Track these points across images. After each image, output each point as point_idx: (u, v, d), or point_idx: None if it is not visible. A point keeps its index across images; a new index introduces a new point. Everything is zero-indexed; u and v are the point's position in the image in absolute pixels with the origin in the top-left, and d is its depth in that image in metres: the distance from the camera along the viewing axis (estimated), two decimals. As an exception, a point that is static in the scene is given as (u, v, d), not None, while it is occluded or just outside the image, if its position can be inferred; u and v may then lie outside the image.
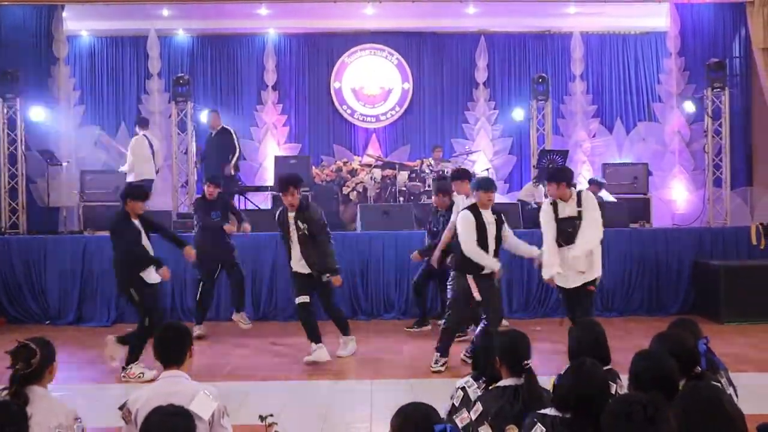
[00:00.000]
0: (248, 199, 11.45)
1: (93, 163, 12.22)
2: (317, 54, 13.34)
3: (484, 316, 6.57)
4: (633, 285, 9.44)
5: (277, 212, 7.07)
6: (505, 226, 6.70)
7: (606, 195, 10.43)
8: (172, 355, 3.44)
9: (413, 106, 13.34)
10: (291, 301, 8.53)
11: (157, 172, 11.00)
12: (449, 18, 12.55)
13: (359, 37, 13.32)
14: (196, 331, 8.01)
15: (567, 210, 6.52)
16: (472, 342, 6.71)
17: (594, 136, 13.02)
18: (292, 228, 6.78)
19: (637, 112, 13.16)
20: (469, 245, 6.41)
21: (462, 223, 6.52)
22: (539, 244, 8.20)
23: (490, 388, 3.60)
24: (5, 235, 10.14)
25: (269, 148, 12.91)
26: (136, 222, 6.69)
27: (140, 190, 6.90)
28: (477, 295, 6.44)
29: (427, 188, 11.00)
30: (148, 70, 12.80)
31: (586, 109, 13.03)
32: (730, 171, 11.35)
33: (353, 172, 12.23)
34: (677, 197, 12.42)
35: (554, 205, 6.59)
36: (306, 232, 6.72)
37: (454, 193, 7.85)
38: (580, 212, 6.47)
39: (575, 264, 6.46)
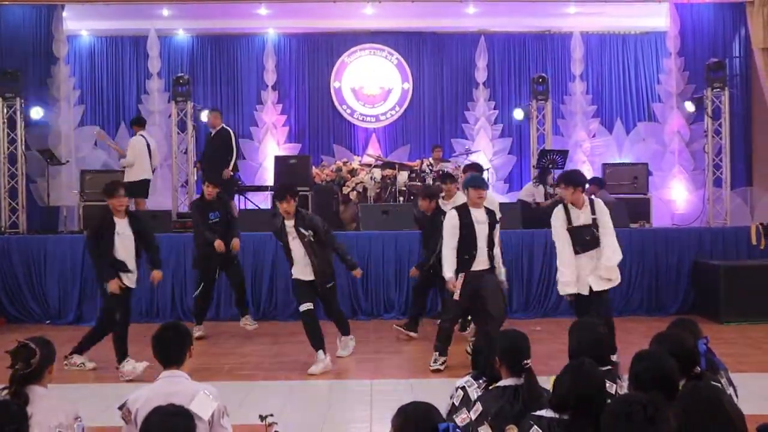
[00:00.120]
0: (248, 199, 11.46)
1: (93, 162, 12.24)
2: (317, 54, 13.35)
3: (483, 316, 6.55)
4: (633, 285, 9.43)
5: (274, 222, 6.97)
6: (497, 228, 6.66)
7: (603, 195, 10.41)
8: (172, 355, 3.44)
9: (413, 105, 13.35)
10: (291, 301, 8.56)
11: (153, 171, 10.99)
12: (449, 18, 12.55)
13: (359, 36, 13.33)
14: (196, 332, 8.01)
15: (582, 217, 6.30)
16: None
17: (594, 136, 13.02)
18: (293, 236, 6.71)
19: (637, 112, 13.18)
20: (447, 246, 6.47)
21: (445, 223, 6.59)
22: (539, 244, 8.25)
23: (490, 388, 3.60)
24: (5, 234, 10.14)
25: (269, 147, 12.91)
26: (122, 222, 6.65)
27: (109, 187, 6.75)
28: (457, 295, 6.43)
29: (427, 188, 10.99)
30: (148, 70, 12.80)
31: (585, 109, 13.03)
32: (730, 171, 11.35)
33: (353, 172, 12.22)
34: (677, 197, 12.42)
35: (566, 211, 6.37)
36: (313, 238, 6.69)
37: (459, 192, 7.86)
38: (594, 220, 6.28)
39: (602, 272, 6.30)
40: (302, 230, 6.65)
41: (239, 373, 6.74)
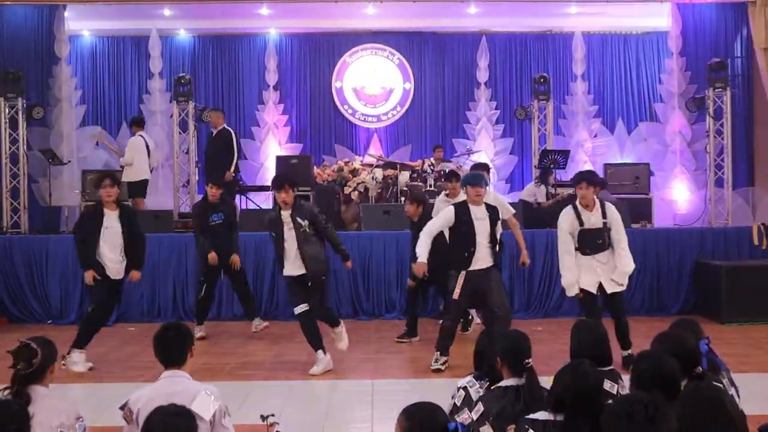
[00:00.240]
0: (249, 199, 11.46)
1: (94, 162, 12.25)
2: (318, 54, 13.35)
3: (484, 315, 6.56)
4: (634, 285, 9.38)
5: (268, 214, 6.93)
6: (498, 225, 6.65)
7: (605, 195, 10.41)
8: (174, 355, 3.43)
9: (414, 105, 13.35)
10: (292, 301, 8.54)
11: (151, 171, 10.99)
12: (450, 18, 12.55)
13: (360, 36, 13.33)
14: (198, 332, 8.00)
15: (592, 220, 6.38)
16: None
17: (595, 136, 13.01)
18: (288, 227, 6.60)
19: (639, 112, 13.17)
20: (427, 228, 6.46)
21: (441, 213, 6.65)
22: (541, 244, 8.22)
23: (491, 388, 3.61)
24: (7, 234, 10.15)
25: (271, 147, 12.91)
26: (112, 214, 6.75)
27: (97, 179, 6.88)
28: (456, 294, 6.43)
29: (428, 188, 10.99)
30: (149, 70, 12.80)
31: (587, 109, 13.02)
32: (732, 171, 11.33)
33: (355, 172, 12.22)
34: (679, 197, 12.41)
35: (576, 213, 6.43)
36: (308, 228, 6.63)
37: (461, 192, 7.84)
38: (605, 223, 6.38)
39: (616, 276, 6.44)
40: (299, 220, 6.57)
41: (240, 373, 6.74)
